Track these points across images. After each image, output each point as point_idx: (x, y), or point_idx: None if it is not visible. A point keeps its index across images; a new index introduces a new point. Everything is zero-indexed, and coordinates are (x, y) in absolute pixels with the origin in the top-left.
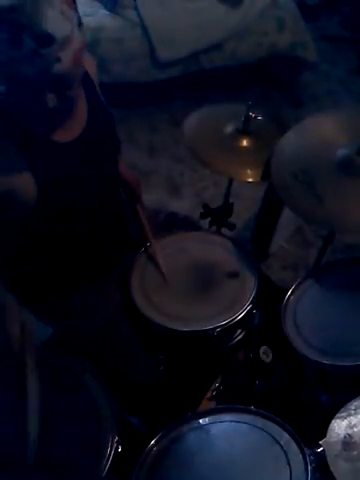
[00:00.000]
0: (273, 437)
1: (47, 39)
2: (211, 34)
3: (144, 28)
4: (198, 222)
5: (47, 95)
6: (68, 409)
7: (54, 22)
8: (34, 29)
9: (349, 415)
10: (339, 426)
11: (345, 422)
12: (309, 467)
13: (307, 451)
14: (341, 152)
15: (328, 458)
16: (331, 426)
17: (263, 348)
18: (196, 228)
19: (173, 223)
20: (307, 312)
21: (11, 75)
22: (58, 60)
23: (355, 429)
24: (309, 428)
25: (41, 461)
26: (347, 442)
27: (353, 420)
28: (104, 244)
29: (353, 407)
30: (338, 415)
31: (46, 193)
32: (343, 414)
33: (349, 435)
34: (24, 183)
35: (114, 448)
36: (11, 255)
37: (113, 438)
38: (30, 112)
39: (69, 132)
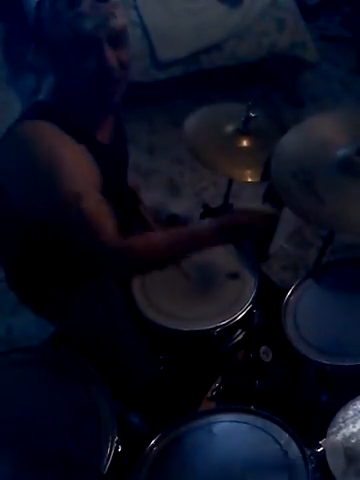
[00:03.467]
0: (273, 437)
1: None
2: (211, 34)
3: (144, 28)
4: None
5: (107, 50)
6: (68, 409)
7: None
8: None
9: (340, 428)
10: (336, 441)
11: (340, 436)
12: (309, 467)
13: (307, 451)
14: (341, 152)
15: (328, 458)
16: (328, 441)
17: (263, 348)
18: None
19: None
20: (307, 312)
21: (74, 31)
22: (113, 16)
23: (352, 441)
24: (309, 428)
25: (41, 461)
26: (350, 456)
27: (347, 432)
28: None
29: (341, 420)
30: (330, 430)
31: None
32: (334, 429)
33: (349, 448)
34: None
35: (114, 448)
36: (13, 253)
37: (113, 438)
38: (92, 84)
39: (107, 134)
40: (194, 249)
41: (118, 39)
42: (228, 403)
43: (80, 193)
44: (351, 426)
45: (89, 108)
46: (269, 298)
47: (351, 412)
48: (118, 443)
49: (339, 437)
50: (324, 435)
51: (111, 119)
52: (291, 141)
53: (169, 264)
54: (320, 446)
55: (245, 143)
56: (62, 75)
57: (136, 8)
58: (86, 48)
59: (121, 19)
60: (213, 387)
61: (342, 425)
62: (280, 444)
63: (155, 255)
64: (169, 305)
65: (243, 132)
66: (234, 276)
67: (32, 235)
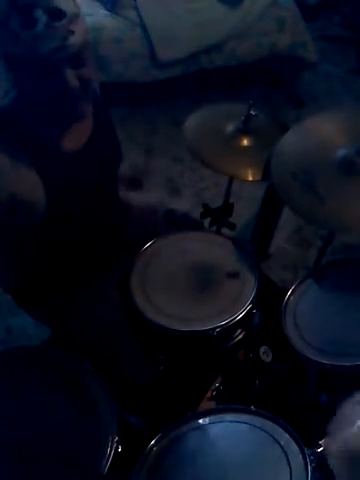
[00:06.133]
0: (273, 437)
1: (58, 13)
2: (211, 34)
3: (144, 28)
4: (198, 218)
5: (67, 72)
6: (68, 409)
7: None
8: (44, 4)
9: (339, 431)
10: (337, 445)
11: (340, 440)
12: (309, 467)
13: (307, 451)
14: (341, 152)
15: (328, 458)
16: (328, 445)
17: (263, 348)
18: (196, 226)
19: (172, 219)
20: (307, 312)
21: (30, 52)
22: (72, 33)
23: (353, 443)
24: (309, 428)
25: (41, 461)
26: (352, 458)
27: (346, 435)
28: (101, 244)
29: (339, 423)
30: (330, 434)
31: (51, 199)
32: (333, 433)
33: (350, 451)
34: (32, 190)
35: (114, 448)
36: (11, 256)
37: (113, 438)
38: (50, 102)
39: (76, 141)
40: None
41: (79, 58)
42: (228, 403)
43: None
44: (350, 428)
45: (51, 118)
46: (269, 298)
47: (349, 415)
48: (118, 443)
49: (339, 440)
50: (324, 435)
51: (85, 124)
52: (291, 141)
53: None
54: (320, 446)
55: (246, 142)
56: (22, 89)
57: (136, 8)
58: (44, 70)
59: (81, 34)
60: (213, 387)
61: (341, 428)
62: (280, 444)
63: None
64: (169, 305)
65: (243, 131)
66: (234, 276)
67: (23, 241)
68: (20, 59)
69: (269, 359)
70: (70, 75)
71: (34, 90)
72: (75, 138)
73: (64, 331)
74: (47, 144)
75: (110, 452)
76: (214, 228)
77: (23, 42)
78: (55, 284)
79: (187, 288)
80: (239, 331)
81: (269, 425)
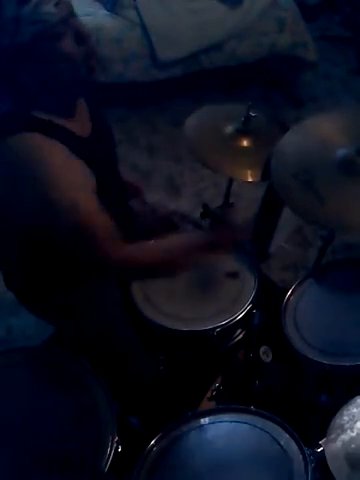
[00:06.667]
0: (273, 437)
1: None
2: (211, 34)
3: (144, 28)
4: (198, 220)
5: (76, 22)
6: (68, 409)
7: None
8: None
9: (338, 435)
10: (336, 448)
11: (339, 443)
12: (309, 467)
13: (307, 451)
14: (341, 152)
15: (328, 458)
16: (328, 448)
17: (263, 348)
18: (196, 226)
19: (171, 220)
20: (307, 312)
21: (42, 22)
22: None
23: (352, 446)
24: (309, 428)
25: (41, 461)
26: (352, 461)
27: (345, 438)
28: None
29: (338, 426)
30: (329, 437)
31: None
32: (332, 436)
33: (350, 454)
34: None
35: (114, 448)
36: (12, 256)
37: (113, 438)
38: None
39: (84, 126)
40: (190, 258)
41: (73, 9)
42: (228, 403)
43: (77, 204)
44: (349, 431)
45: (60, 102)
46: (269, 298)
47: (346, 418)
48: (118, 443)
49: (339, 443)
50: (324, 435)
51: (84, 109)
52: (291, 141)
53: (169, 271)
54: (320, 446)
55: (245, 143)
56: (33, 75)
57: (136, 8)
58: (60, 30)
59: None
60: (213, 387)
61: (339, 431)
62: (280, 444)
63: (153, 264)
64: (169, 305)
65: (243, 132)
66: (234, 276)
67: (31, 241)
68: (32, 39)
69: (269, 359)
70: (77, 21)
71: (49, 67)
72: (83, 123)
73: (66, 329)
74: (68, 131)
75: (110, 452)
76: None
77: (26, 19)
78: (58, 281)
79: (187, 288)
80: (239, 331)
81: (269, 425)
